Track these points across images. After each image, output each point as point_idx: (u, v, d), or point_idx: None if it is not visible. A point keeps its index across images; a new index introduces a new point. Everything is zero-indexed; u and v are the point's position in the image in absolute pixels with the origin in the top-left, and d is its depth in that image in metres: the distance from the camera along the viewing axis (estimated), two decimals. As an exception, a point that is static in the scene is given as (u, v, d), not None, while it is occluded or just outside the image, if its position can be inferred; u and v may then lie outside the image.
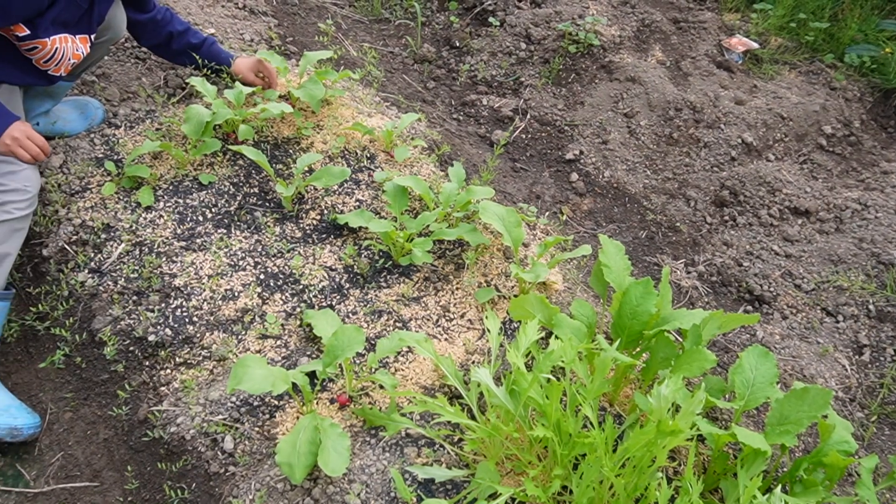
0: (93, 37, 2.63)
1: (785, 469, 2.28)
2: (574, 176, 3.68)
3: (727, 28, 4.59)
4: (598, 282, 2.43)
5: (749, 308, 3.16)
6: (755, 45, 4.41)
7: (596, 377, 1.93)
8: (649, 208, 3.58)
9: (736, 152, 3.72)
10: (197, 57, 2.99)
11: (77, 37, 2.54)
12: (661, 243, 3.44)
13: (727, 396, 2.32)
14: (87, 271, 2.49)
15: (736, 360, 2.31)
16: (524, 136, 3.87)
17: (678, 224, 3.50)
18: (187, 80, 3.09)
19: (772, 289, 3.18)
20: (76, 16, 2.50)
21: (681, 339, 2.46)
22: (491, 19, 4.35)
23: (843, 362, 2.86)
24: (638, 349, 2.23)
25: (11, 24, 2.32)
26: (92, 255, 2.52)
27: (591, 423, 2.05)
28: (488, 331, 2.22)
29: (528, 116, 3.94)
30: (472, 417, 2.11)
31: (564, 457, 1.88)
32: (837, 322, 3.05)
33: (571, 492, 1.84)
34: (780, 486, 1.87)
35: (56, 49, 2.46)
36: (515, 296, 2.54)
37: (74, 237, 2.55)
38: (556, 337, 2.17)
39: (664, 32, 4.41)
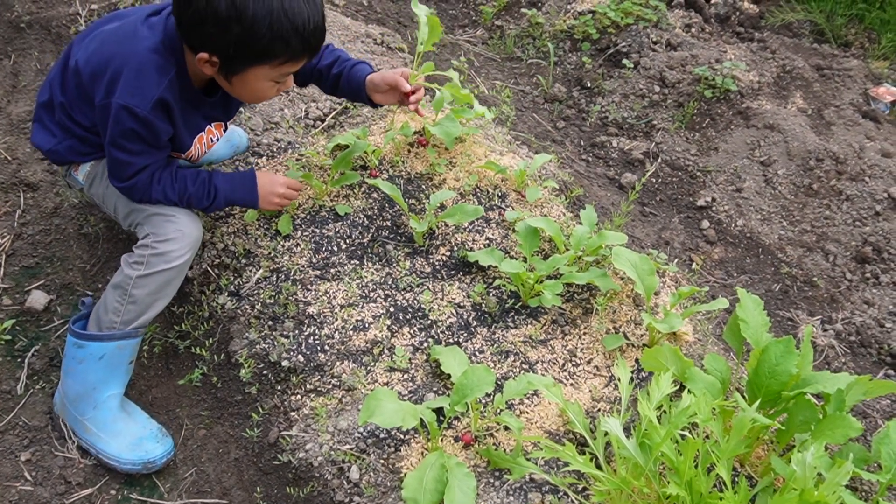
0: (228, 122, 2.60)
1: (932, 550, 2.14)
2: (705, 223, 3.60)
3: (874, 76, 4.41)
4: (733, 336, 2.35)
5: (890, 372, 2.99)
6: (904, 95, 4.21)
7: (733, 437, 1.86)
8: (784, 261, 3.45)
9: (881, 206, 3.54)
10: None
11: (212, 125, 2.50)
12: (796, 298, 3.31)
13: (869, 467, 2.19)
14: (226, 294, 2.59)
15: (881, 429, 2.19)
16: (654, 181, 3.81)
17: (815, 279, 3.35)
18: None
19: (917, 353, 3.00)
20: (211, 114, 2.46)
21: (820, 402, 2.35)
22: (625, 61, 4.32)
23: None
24: (775, 410, 2.14)
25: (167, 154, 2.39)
26: (232, 278, 2.62)
27: (724, 484, 1.97)
28: (618, 380, 2.17)
29: (660, 160, 3.88)
30: (598, 467, 2.07)
31: (695, 518, 1.82)
32: None
33: (702, 555, 1.78)
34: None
35: (191, 152, 2.48)
36: (645, 345, 2.49)
37: (217, 261, 2.66)
38: (689, 391, 2.11)
39: (806, 79, 4.27)
